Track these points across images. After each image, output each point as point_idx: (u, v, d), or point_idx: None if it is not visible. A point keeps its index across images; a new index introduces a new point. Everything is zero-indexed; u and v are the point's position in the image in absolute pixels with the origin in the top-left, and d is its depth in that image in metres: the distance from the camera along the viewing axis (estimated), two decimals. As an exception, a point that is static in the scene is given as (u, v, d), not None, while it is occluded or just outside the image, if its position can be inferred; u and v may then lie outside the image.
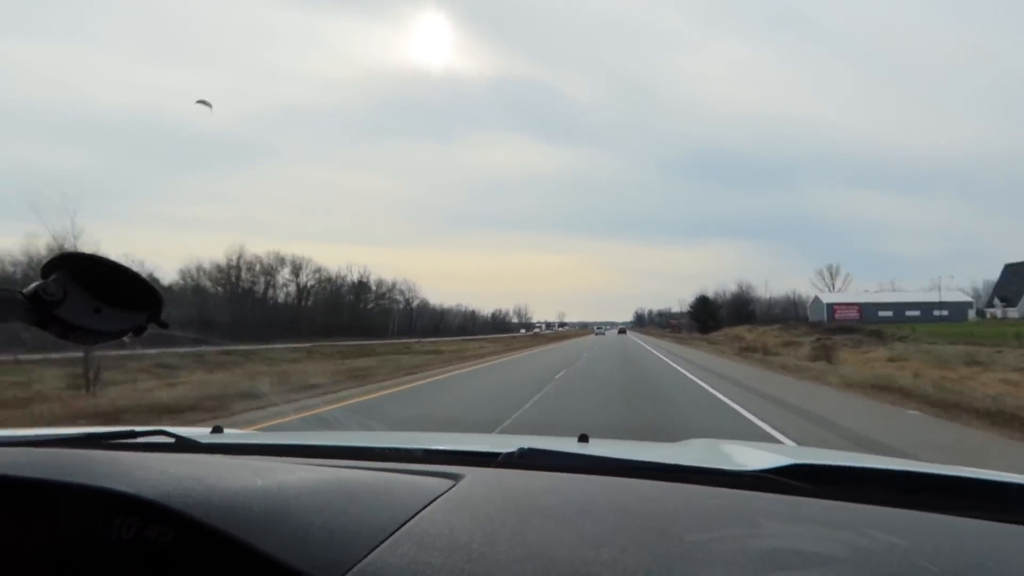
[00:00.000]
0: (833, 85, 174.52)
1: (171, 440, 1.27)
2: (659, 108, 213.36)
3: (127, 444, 1.25)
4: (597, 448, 1.41)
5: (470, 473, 0.90)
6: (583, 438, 1.48)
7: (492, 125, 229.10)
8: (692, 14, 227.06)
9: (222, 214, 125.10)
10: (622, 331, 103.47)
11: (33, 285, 0.71)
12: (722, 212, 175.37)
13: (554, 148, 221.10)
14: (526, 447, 1.12)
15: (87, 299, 0.74)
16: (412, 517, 0.69)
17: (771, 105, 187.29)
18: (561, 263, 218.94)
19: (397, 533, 0.65)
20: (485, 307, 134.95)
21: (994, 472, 1.10)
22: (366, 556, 0.61)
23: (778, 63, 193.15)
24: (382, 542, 0.63)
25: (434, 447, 1.30)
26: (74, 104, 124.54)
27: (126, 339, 0.80)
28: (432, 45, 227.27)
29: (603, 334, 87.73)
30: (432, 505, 0.74)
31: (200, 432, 1.56)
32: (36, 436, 1.25)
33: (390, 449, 1.26)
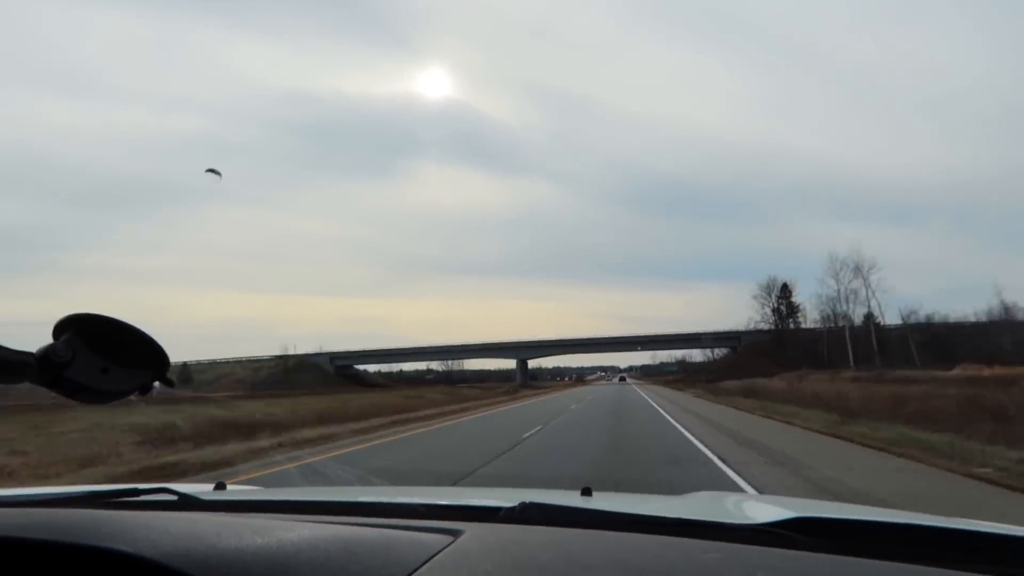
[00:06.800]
0: (808, 107, 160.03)
1: (174, 498, 1.27)
2: (624, 139, 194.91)
3: (130, 503, 1.25)
4: (599, 502, 1.40)
5: (470, 529, 0.90)
6: (586, 491, 1.47)
7: (440, 159, 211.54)
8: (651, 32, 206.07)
9: (159, 262, 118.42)
10: (622, 379, 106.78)
11: (43, 347, 0.73)
12: (700, 250, 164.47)
13: (512, 186, 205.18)
14: (527, 501, 1.12)
15: (95, 359, 0.76)
16: (411, 574, 0.70)
17: (737, 131, 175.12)
18: (542, 309, 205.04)
19: None
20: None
21: (999, 525, 1.09)
22: None
23: (745, 86, 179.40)
24: None
25: (436, 502, 1.30)
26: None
27: (132, 397, 0.82)
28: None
29: (612, 380, 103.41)
30: (431, 562, 0.74)
31: (203, 488, 1.56)
32: (38, 495, 1.25)
33: (392, 504, 1.25)
